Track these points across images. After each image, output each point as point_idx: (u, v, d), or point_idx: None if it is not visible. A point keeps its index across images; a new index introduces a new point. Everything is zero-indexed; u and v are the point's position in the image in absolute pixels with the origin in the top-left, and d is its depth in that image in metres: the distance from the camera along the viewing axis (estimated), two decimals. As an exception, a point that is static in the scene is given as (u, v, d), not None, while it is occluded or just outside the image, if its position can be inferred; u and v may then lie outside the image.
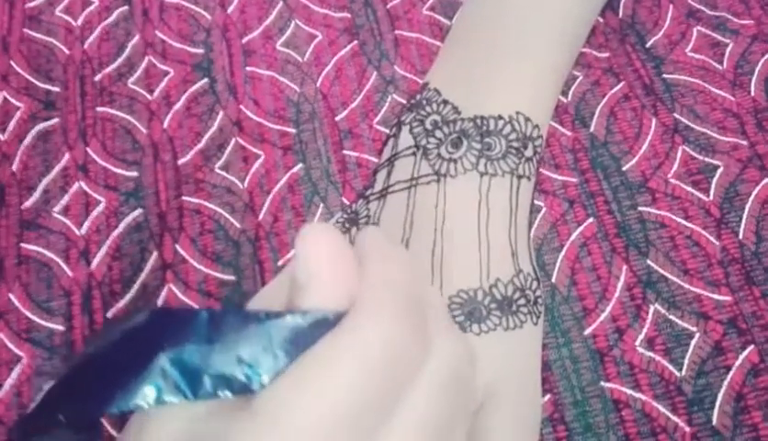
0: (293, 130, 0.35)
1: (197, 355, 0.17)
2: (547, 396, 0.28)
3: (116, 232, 0.33)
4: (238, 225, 0.33)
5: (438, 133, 0.29)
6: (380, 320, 0.17)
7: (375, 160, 0.33)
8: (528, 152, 0.28)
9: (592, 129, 0.33)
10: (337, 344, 0.16)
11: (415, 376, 0.17)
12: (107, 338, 0.18)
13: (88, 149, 0.35)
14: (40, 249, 0.33)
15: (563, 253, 0.31)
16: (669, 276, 0.30)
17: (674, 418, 0.27)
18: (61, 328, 0.31)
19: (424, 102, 0.30)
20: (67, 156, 0.35)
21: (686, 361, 0.28)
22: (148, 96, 0.36)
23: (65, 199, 0.34)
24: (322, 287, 0.17)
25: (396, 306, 0.17)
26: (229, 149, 0.35)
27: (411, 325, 0.17)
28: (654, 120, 0.33)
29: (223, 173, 0.34)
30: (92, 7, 0.40)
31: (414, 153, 0.29)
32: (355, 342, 0.16)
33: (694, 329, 0.29)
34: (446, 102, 0.29)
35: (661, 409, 0.28)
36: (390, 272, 0.19)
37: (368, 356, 0.16)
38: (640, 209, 0.31)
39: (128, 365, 0.17)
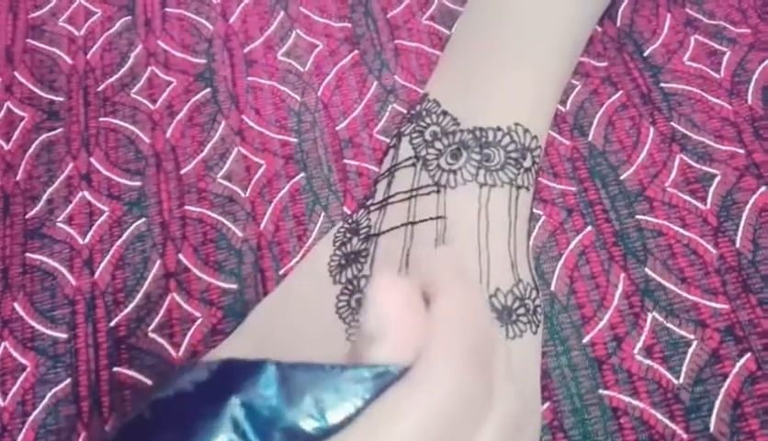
0: (294, 140, 0.35)
1: (265, 407, 0.17)
2: (547, 404, 0.29)
3: (119, 242, 0.33)
4: (240, 234, 0.33)
5: (438, 144, 0.29)
6: (448, 371, 0.17)
7: (375, 169, 0.34)
8: (527, 163, 0.29)
9: (590, 138, 0.34)
10: (404, 396, 0.17)
11: (480, 423, 0.18)
12: (174, 388, 0.18)
13: (92, 159, 0.35)
14: (44, 258, 0.33)
15: (562, 261, 0.31)
16: (666, 284, 0.30)
17: (672, 425, 0.28)
18: (64, 336, 0.31)
19: (424, 113, 0.30)
20: (71, 166, 0.35)
21: (684, 369, 0.29)
22: (151, 106, 0.37)
23: (69, 209, 0.34)
24: (392, 341, 0.17)
25: (464, 354, 0.18)
26: (231, 158, 0.35)
27: (477, 373, 0.18)
28: (652, 129, 0.34)
29: (225, 182, 0.34)
30: (95, 17, 0.40)
31: (414, 164, 0.29)
32: (422, 394, 0.17)
33: (692, 337, 0.29)
34: (445, 113, 0.30)
35: (659, 416, 0.28)
36: (461, 312, 0.19)
37: (435, 408, 0.17)
38: (638, 217, 0.32)
39: (198, 416, 0.17)
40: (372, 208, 0.30)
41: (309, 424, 0.17)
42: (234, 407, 0.17)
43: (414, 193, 0.28)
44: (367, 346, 0.18)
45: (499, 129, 0.29)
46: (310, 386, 0.17)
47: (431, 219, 0.27)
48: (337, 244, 0.29)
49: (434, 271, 0.19)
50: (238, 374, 0.18)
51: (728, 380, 0.28)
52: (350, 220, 0.30)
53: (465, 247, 0.27)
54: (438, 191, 0.28)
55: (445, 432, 0.17)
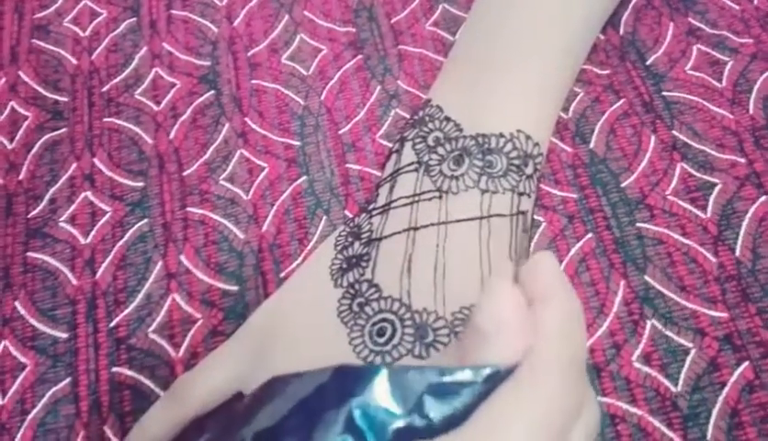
0: (297, 143, 0.35)
1: (380, 409, 0.18)
2: (545, 410, 0.29)
3: (121, 242, 0.33)
4: (242, 236, 0.33)
5: (440, 150, 0.29)
6: (554, 377, 0.18)
7: (377, 173, 0.34)
8: (529, 170, 0.29)
9: (591, 145, 0.34)
10: (514, 399, 0.18)
11: (573, 427, 0.19)
12: (292, 394, 0.19)
13: (95, 159, 0.36)
14: (46, 258, 0.33)
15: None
16: (666, 292, 0.30)
17: (670, 433, 0.28)
18: (65, 336, 0.31)
19: (427, 119, 0.31)
20: (74, 166, 0.35)
21: (682, 377, 0.29)
22: (155, 108, 0.37)
23: (72, 209, 0.34)
24: (505, 341, 0.19)
25: (568, 361, 0.19)
26: (233, 161, 0.35)
27: (578, 381, 0.19)
28: (653, 137, 0.34)
29: (228, 184, 0.34)
30: (100, 18, 0.40)
31: (417, 170, 0.29)
32: (531, 397, 0.18)
33: (690, 345, 0.29)
34: (448, 119, 0.30)
35: (657, 424, 0.28)
36: (567, 321, 0.20)
37: (542, 411, 0.18)
38: (638, 225, 0.32)
39: (316, 419, 0.18)
40: (374, 212, 0.30)
41: (420, 423, 0.18)
42: (351, 409, 0.18)
43: (416, 198, 0.28)
44: (480, 343, 0.19)
45: (501, 135, 0.29)
46: (421, 387, 0.18)
47: (432, 224, 0.27)
48: (339, 248, 0.30)
49: (541, 276, 0.20)
50: (353, 378, 0.19)
51: (726, 389, 0.28)
52: (352, 224, 0.31)
53: (466, 253, 0.27)
54: (440, 197, 0.28)
55: (550, 434, 0.18)
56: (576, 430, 0.19)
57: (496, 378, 0.18)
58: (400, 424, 0.18)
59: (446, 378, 0.18)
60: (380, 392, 0.18)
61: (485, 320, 0.19)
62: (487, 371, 0.18)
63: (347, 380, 0.19)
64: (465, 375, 0.18)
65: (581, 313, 0.21)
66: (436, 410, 0.18)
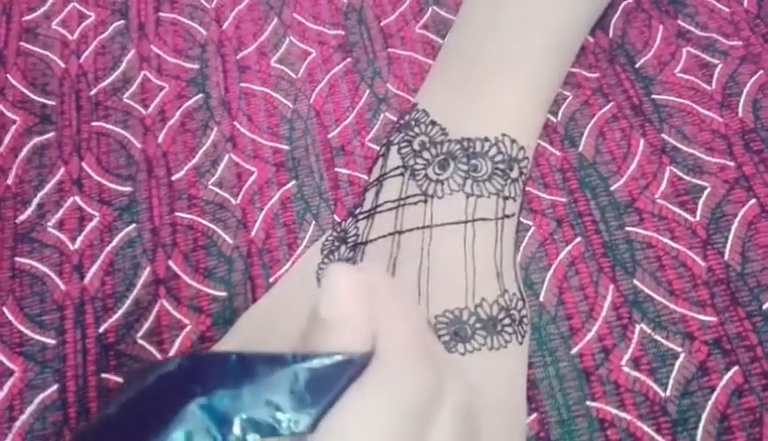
0: (286, 147, 0.35)
1: (226, 399, 0.17)
2: (534, 415, 0.29)
3: (109, 247, 0.33)
4: (230, 241, 0.33)
5: (426, 154, 0.29)
6: (407, 365, 0.17)
7: (366, 177, 0.34)
8: (514, 174, 0.29)
9: (580, 148, 0.34)
10: (369, 391, 0.17)
11: (434, 418, 0.18)
12: (137, 385, 0.18)
13: (83, 163, 0.35)
14: (34, 263, 0.33)
15: (551, 272, 0.31)
16: (655, 296, 0.30)
17: (659, 438, 0.28)
18: (53, 342, 0.31)
19: (413, 123, 0.30)
20: (62, 170, 0.35)
21: (671, 381, 0.29)
22: (143, 111, 0.37)
23: (60, 214, 0.34)
24: (349, 327, 0.18)
25: (417, 349, 0.18)
26: (222, 165, 0.35)
27: (430, 368, 0.18)
28: (642, 141, 0.34)
29: (216, 189, 0.34)
30: (88, 21, 0.40)
31: (402, 174, 0.29)
32: (386, 388, 0.17)
33: (680, 349, 0.29)
34: (433, 123, 0.30)
35: (646, 428, 0.28)
36: (405, 312, 0.19)
37: (400, 402, 0.17)
38: (627, 229, 0.32)
39: (159, 411, 0.17)
40: (360, 216, 0.30)
41: (269, 414, 0.17)
42: (192, 401, 0.17)
43: (402, 202, 0.28)
44: (325, 334, 0.18)
45: (486, 139, 0.29)
46: (272, 375, 0.17)
47: (417, 228, 0.27)
48: (325, 253, 0.29)
49: (369, 279, 0.20)
50: (200, 367, 0.18)
51: (716, 393, 0.28)
52: (339, 229, 0.30)
53: (451, 257, 0.27)
54: (426, 201, 0.28)
55: (409, 426, 0.17)
56: (441, 415, 0.18)
57: (350, 366, 0.17)
58: (247, 412, 0.17)
59: (297, 365, 0.17)
60: (228, 380, 0.17)
61: (327, 309, 0.18)
62: (340, 358, 0.17)
63: (194, 369, 0.18)
64: (316, 363, 0.17)
65: (420, 312, 0.20)
66: (285, 398, 0.17)
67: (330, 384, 0.17)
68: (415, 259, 0.27)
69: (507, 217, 0.28)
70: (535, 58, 0.30)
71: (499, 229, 0.28)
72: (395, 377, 0.17)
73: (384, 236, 0.28)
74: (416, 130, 0.30)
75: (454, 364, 0.20)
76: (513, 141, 0.29)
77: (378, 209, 0.29)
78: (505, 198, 0.28)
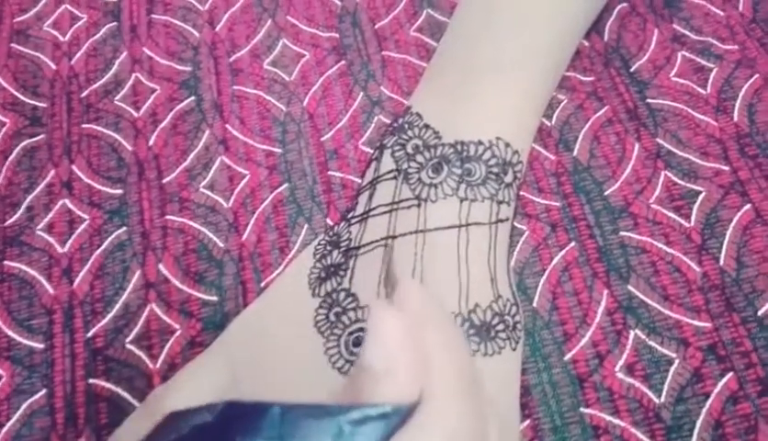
0: (279, 150, 0.35)
1: None
2: (527, 421, 0.28)
3: (99, 251, 0.33)
4: (222, 245, 0.33)
5: (419, 158, 0.29)
6: (457, 410, 0.17)
7: (359, 181, 0.33)
8: (508, 178, 0.29)
9: (575, 153, 0.34)
10: (420, 437, 0.17)
11: None
12: (170, 435, 0.18)
13: (73, 166, 0.35)
14: (23, 266, 0.33)
15: (545, 277, 0.31)
16: (649, 301, 0.30)
17: (653, 445, 0.27)
18: (41, 346, 0.31)
19: (406, 126, 0.30)
20: (52, 173, 0.35)
21: (665, 387, 0.28)
22: (134, 114, 0.36)
23: (49, 217, 0.34)
24: (397, 378, 0.17)
25: (465, 393, 0.18)
26: (214, 168, 0.35)
27: (477, 411, 0.18)
28: (637, 145, 0.34)
29: (208, 192, 0.34)
30: (80, 23, 0.40)
31: (396, 177, 0.29)
32: (437, 434, 0.17)
33: (674, 355, 0.29)
34: (427, 126, 0.30)
35: (640, 435, 0.28)
36: (449, 344, 0.19)
37: None
38: (622, 233, 0.32)
39: None
40: (353, 220, 0.29)
41: None
42: None
43: (395, 206, 0.28)
44: (372, 383, 0.17)
45: (480, 143, 0.28)
46: (316, 428, 0.17)
47: (411, 233, 0.27)
48: (317, 257, 0.29)
49: (415, 307, 0.19)
50: (241, 417, 0.17)
51: (710, 400, 0.28)
52: (331, 233, 0.30)
53: (444, 262, 0.27)
54: (419, 205, 0.28)
55: None
56: None
57: (396, 419, 0.17)
58: None
59: (341, 416, 0.17)
60: (270, 432, 0.17)
61: (374, 357, 0.18)
62: (386, 410, 0.17)
63: (235, 418, 0.18)
64: (361, 413, 0.17)
65: (461, 333, 0.20)
66: None
67: (375, 436, 0.17)
68: (408, 264, 0.27)
69: (501, 221, 0.28)
70: (529, 61, 0.30)
71: (493, 233, 0.27)
72: (446, 422, 0.17)
73: (377, 241, 0.27)
74: (410, 133, 0.30)
75: (488, 398, 0.20)
76: (507, 145, 0.29)
77: (371, 213, 0.28)
78: (499, 203, 0.28)
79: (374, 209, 0.28)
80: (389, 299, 0.20)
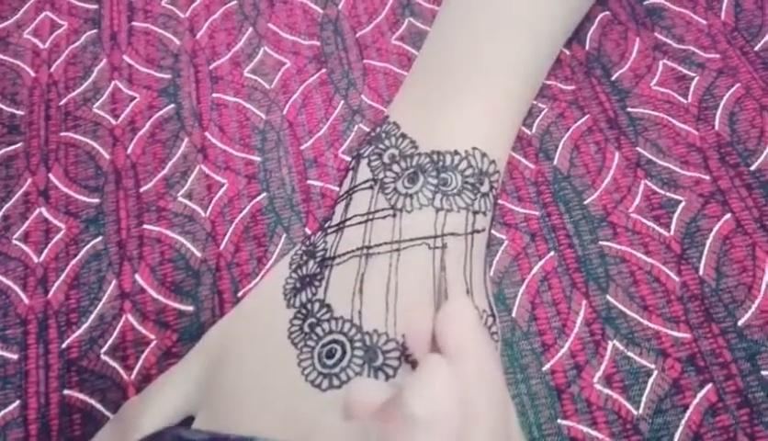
0: (258, 158, 0.35)
1: None
2: (504, 433, 0.28)
3: (74, 260, 0.32)
4: (199, 254, 0.32)
5: (396, 167, 0.29)
6: None
7: (339, 190, 0.33)
8: (484, 188, 0.28)
9: (555, 162, 0.33)
10: None
11: None
12: None
13: (50, 174, 0.35)
14: (-2, 276, 0.32)
15: (524, 287, 0.31)
16: (628, 312, 0.30)
17: (630, 457, 0.27)
18: (14, 357, 0.30)
19: (383, 135, 0.30)
20: (29, 181, 0.35)
21: (644, 399, 0.28)
22: (113, 122, 0.36)
23: (25, 226, 0.33)
24: (442, 432, 0.18)
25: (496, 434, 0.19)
26: (192, 176, 0.34)
27: None
28: (617, 154, 0.33)
29: (186, 201, 0.34)
30: (60, 30, 0.40)
31: (372, 187, 0.28)
32: None
33: (653, 366, 0.29)
34: (404, 136, 0.29)
35: (618, 448, 0.27)
36: (489, 385, 0.20)
37: None
38: (601, 243, 0.31)
39: None
40: (329, 230, 0.29)
41: None
42: None
43: (371, 216, 0.28)
44: (410, 430, 0.18)
45: (456, 153, 0.28)
46: None
47: (386, 243, 0.27)
48: (293, 267, 0.29)
49: (451, 333, 0.20)
50: None
51: (689, 412, 0.28)
52: (308, 243, 0.30)
53: (419, 273, 0.26)
54: (394, 215, 0.27)
55: None
56: None
57: None
58: None
59: None
60: None
61: (418, 404, 0.18)
62: None
63: None
64: None
65: (499, 368, 0.21)
66: None
67: None
68: (383, 275, 0.26)
69: (477, 232, 0.28)
70: (505, 70, 0.30)
71: (469, 244, 0.27)
72: None
73: (352, 251, 0.27)
74: (386, 142, 0.30)
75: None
76: (483, 155, 0.28)
77: (347, 223, 0.28)
78: (475, 213, 0.28)
79: (350, 218, 0.28)
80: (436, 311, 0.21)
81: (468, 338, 0.20)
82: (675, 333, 0.29)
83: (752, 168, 0.33)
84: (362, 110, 0.36)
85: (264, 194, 0.34)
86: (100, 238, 0.33)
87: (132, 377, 0.30)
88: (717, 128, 0.34)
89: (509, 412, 0.21)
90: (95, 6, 0.40)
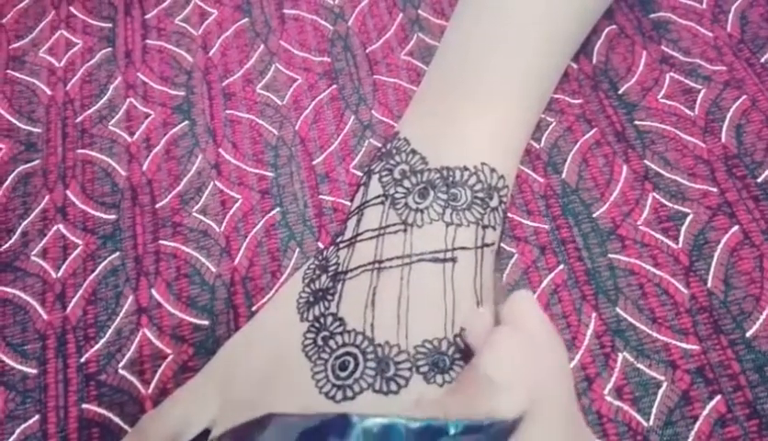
0: (271, 174, 0.35)
1: None
2: (516, 445, 0.28)
3: (92, 276, 0.33)
4: (214, 269, 0.33)
5: (406, 183, 0.29)
6: (556, 426, 0.19)
7: (350, 204, 0.34)
8: (494, 203, 0.29)
9: (563, 175, 0.34)
10: None
11: None
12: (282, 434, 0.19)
13: (68, 191, 0.35)
14: (17, 292, 0.33)
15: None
16: (637, 324, 0.30)
17: (641, 468, 0.28)
18: (34, 372, 0.31)
19: (394, 151, 0.31)
20: (47, 198, 0.35)
21: (654, 411, 0.28)
22: (128, 139, 0.37)
23: (43, 242, 0.34)
24: (515, 395, 0.19)
25: (568, 424, 0.20)
26: (207, 192, 0.35)
27: (575, 423, 0.20)
28: (625, 167, 0.34)
29: (200, 216, 0.34)
30: (75, 49, 0.40)
31: (383, 202, 0.29)
32: None
33: (662, 378, 0.29)
34: (414, 152, 0.30)
35: (629, 459, 0.28)
36: (564, 380, 0.21)
37: None
38: (610, 256, 0.32)
39: None
40: (341, 245, 0.30)
41: None
42: None
43: (382, 231, 0.28)
44: (490, 394, 0.19)
45: (465, 168, 0.29)
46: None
47: (397, 257, 0.27)
48: (306, 281, 0.29)
49: (523, 318, 0.22)
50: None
51: (698, 423, 0.28)
52: (320, 257, 0.30)
53: (430, 287, 0.27)
54: (405, 230, 0.28)
55: None
56: None
57: (505, 433, 0.19)
58: None
59: (460, 437, 0.18)
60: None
61: (495, 371, 0.19)
62: (500, 425, 0.19)
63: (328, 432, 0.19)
64: (472, 425, 0.19)
65: (564, 352, 0.22)
66: None
67: None
68: (394, 289, 0.27)
69: (487, 246, 0.28)
70: (513, 86, 0.30)
71: (478, 258, 0.28)
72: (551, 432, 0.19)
73: (364, 266, 0.28)
74: (397, 158, 0.30)
75: (586, 431, 0.23)
76: (492, 170, 0.29)
77: (359, 238, 0.29)
78: (485, 227, 0.28)
79: (361, 233, 0.29)
80: (498, 307, 0.23)
81: (537, 316, 0.22)
82: (684, 345, 0.30)
83: (759, 180, 0.33)
84: (372, 125, 0.36)
85: (277, 209, 0.34)
86: (117, 254, 0.33)
87: (150, 391, 0.30)
88: (723, 140, 0.34)
89: (571, 378, 0.22)
90: (109, 25, 0.41)
